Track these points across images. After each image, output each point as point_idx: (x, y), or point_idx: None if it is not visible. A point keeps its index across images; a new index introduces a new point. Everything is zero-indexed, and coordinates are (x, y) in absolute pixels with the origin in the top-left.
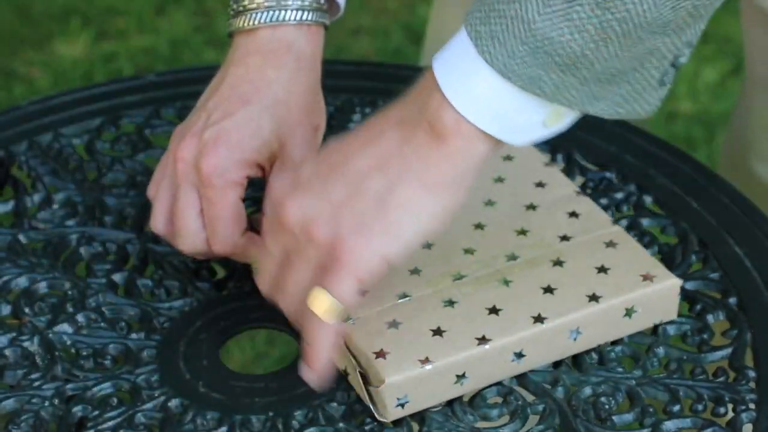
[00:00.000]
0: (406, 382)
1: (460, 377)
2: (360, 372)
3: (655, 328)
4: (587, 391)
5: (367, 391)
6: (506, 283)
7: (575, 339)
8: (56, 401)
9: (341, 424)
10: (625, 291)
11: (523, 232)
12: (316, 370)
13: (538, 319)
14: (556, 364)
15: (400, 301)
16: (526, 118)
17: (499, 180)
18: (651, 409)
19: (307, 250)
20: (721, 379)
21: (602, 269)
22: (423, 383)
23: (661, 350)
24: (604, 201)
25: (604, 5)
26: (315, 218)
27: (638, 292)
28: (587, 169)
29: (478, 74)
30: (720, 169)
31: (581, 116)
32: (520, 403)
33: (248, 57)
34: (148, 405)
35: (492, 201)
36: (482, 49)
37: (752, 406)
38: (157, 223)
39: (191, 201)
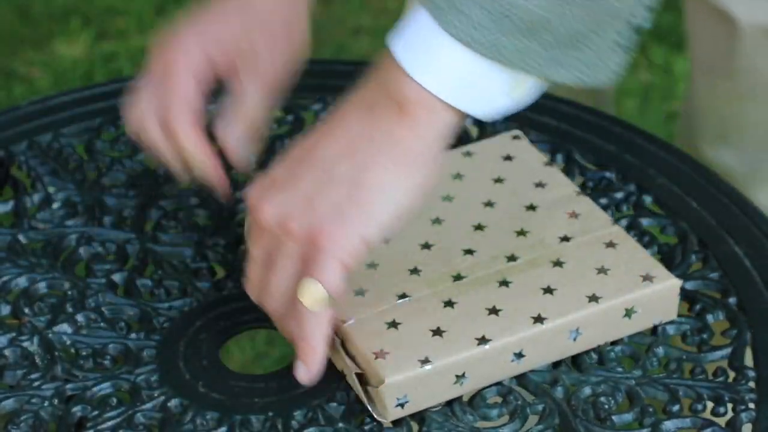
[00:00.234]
0: (405, 382)
1: (460, 377)
2: (357, 373)
3: (655, 327)
4: (587, 391)
5: (365, 391)
6: (506, 283)
7: (575, 339)
8: (56, 401)
9: (341, 424)
10: (625, 291)
11: (522, 233)
12: (311, 365)
13: (538, 319)
14: (556, 364)
15: (399, 301)
16: (489, 88)
17: (499, 180)
18: (651, 409)
19: (287, 246)
20: (721, 378)
21: (602, 269)
22: (423, 383)
23: (660, 350)
24: (603, 201)
25: None
26: (290, 213)
27: (638, 293)
28: (587, 168)
29: (439, 45)
30: None
31: (545, 87)
32: (519, 403)
33: None
34: (148, 405)
35: (492, 201)
36: (443, 20)
37: (752, 405)
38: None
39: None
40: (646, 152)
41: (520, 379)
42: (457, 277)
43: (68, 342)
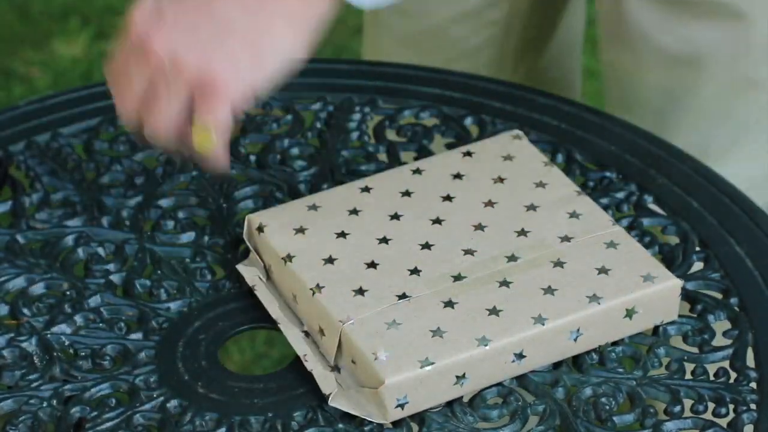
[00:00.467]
0: (405, 383)
1: (460, 378)
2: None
3: (656, 328)
4: (588, 391)
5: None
6: (506, 283)
7: (575, 340)
8: (54, 402)
9: (340, 425)
10: (626, 292)
11: (523, 233)
12: (219, 167)
13: (539, 319)
14: (557, 365)
15: (399, 301)
16: None
17: (499, 180)
18: (652, 410)
19: (177, 83)
20: (722, 379)
21: (603, 270)
22: (423, 384)
23: (661, 350)
24: (604, 201)
25: None
26: (185, 53)
27: (639, 293)
28: (587, 168)
29: None
30: None
31: None
32: (520, 403)
33: None
34: (147, 406)
35: (492, 201)
36: None
37: (753, 406)
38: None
39: None
40: (647, 152)
41: (521, 379)
42: (457, 277)
43: (67, 342)
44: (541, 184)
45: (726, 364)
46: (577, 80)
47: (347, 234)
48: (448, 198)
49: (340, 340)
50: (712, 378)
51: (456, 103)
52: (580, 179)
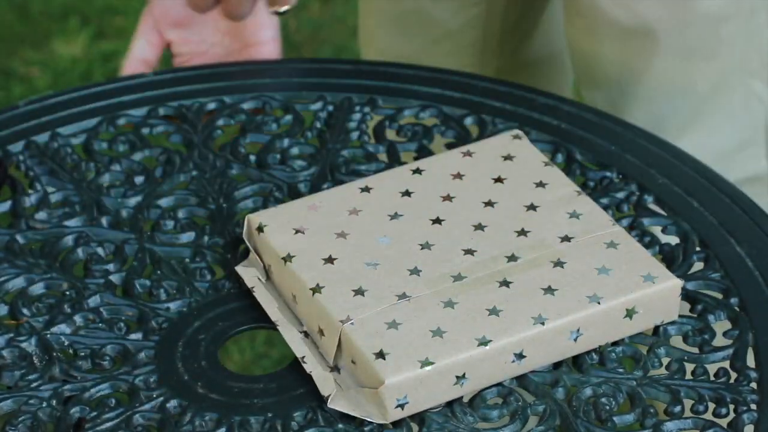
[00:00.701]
0: (405, 383)
1: (460, 378)
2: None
3: (656, 328)
4: (588, 391)
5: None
6: (506, 283)
7: (576, 340)
8: (54, 402)
9: (340, 425)
10: (626, 292)
11: (523, 233)
12: None
13: (539, 319)
14: (557, 365)
15: (399, 301)
16: None
17: (499, 180)
18: (652, 410)
19: None
20: (723, 379)
21: (603, 270)
22: (423, 384)
23: (662, 351)
24: (604, 201)
25: None
26: None
27: (639, 293)
28: (588, 168)
29: None
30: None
31: None
32: (520, 403)
33: None
34: (147, 406)
35: (492, 201)
36: None
37: (753, 406)
38: None
39: None
40: (648, 152)
41: (521, 379)
42: (457, 277)
43: (66, 342)
44: (541, 184)
45: (726, 364)
46: (566, 60)
47: (347, 234)
48: (448, 198)
49: (339, 340)
50: (712, 378)
51: (456, 103)
52: (580, 179)
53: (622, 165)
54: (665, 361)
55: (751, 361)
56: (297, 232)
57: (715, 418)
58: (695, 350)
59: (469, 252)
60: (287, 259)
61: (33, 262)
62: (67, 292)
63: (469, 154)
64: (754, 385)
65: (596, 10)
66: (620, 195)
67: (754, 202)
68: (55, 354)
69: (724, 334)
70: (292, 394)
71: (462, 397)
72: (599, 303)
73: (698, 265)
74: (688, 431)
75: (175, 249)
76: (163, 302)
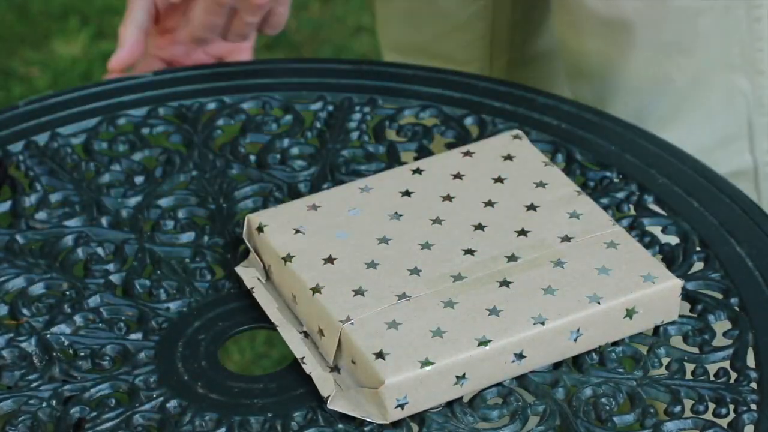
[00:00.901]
0: (405, 383)
1: (460, 378)
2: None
3: (656, 328)
4: (588, 391)
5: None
6: (506, 283)
7: (576, 340)
8: (54, 402)
9: (340, 425)
10: (626, 292)
11: (523, 233)
12: None
13: (539, 319)
14: (557, 365)
15: (399, 301)
16: None
17: (499, 180)
18: (652, 410)
19: None
20: (723, 379)
21: (603, 270)
22: (423, 384)
23: (662, 351)
24: (604, 201)
25: None
26: None
27: (639, 293)
28: (588, 168)
29: None
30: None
31: None
32: (520, 404)
33: None
34: (147, 406)
35: (492, 201)
36: None
37: (753, 407)
38: None
39: None
40: (648, 152)
41: (521, 379)
42: (457, 277)
43: (66, 343)
44: (541, 184)
45: (726, 364)
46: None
47: (347, 234)
48: (448, 198)
49: (339, 340)
50: (712, 378)
51: (456, 103)
52: (580, 179)
53: (622, 165)
54: (665, 361)
55: (751, 361)
56: (297, 232)
57: (715, 418)
58: (695, 350)
59: (469, 252)
60: (287, 259)
61: (33, 262)
62: (67, 292)
63: (469, 154)
64: (754, 385)
65: (579, 3)
66: (620, 195)
67: (754, 202)
68: (55, 354)
69: (724, 334)
70: (292, 394)
71: (462, 397)
72: (599, 303)
73: (698, 265)
74: (688, 431)
75: (175, 249)
76: (163, 302)
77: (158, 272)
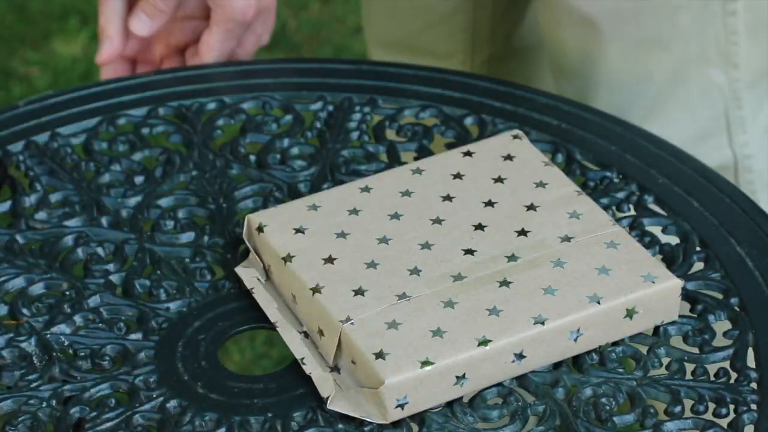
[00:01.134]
0: (405, 383)
1: (460, 378)
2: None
3: (656, 328)
4: (588, 392)
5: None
6: (506, 283)
7: (576, 340)
8: (54, 402)
9: (340, 425)
10: (626, 292)
11: (523, 233)
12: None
13: (539, 320)
14: (557, 365)
15: (399, 301)
16: None
17: (499, 180)
18: (652, 410)
19: None
20: (723, 379)
21: (603, 270)
22: (423, 384)
23: (662, 351)
24: (604, 201)
25: None
26: None
27: (639, 293)
28: (588, 168)
29: None
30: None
31: None
32: (520, 404)
33: None
34: (146, 406)
35: (492, 201)
36: None
37: (754, 407)
38: None
39: None
40: (648, 152)
41: (521, 380)
42: (457, 277)
43: (66, 343)
44: (541, 184)
45: (726, 364)
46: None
47: (347, 234)
48: (448, 198)
49: (339, 340)
50: (712, 378)
51: (456, 103)
52: (580, 179)
53: (622, 165)
54: (665, 361)
55: (751, 361)
56: (297, 232)
57: (715, 418)
58: (695, 350)
59: (469, 252)
60: (287, 259)
61: (33, 262)
62: (67, 292)
63: (469, 154)
64: (754, 385)
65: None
66: (620, 195)
67: (754, 201)
68: (55, 354)
69: (724, 334)
70: (292, 394)
71: (462, 397)
72: (599, 303)
73: (698, 265)
74: (688, 431)
75: (175, 249)
76: (163, 302)
77: (158, 272)
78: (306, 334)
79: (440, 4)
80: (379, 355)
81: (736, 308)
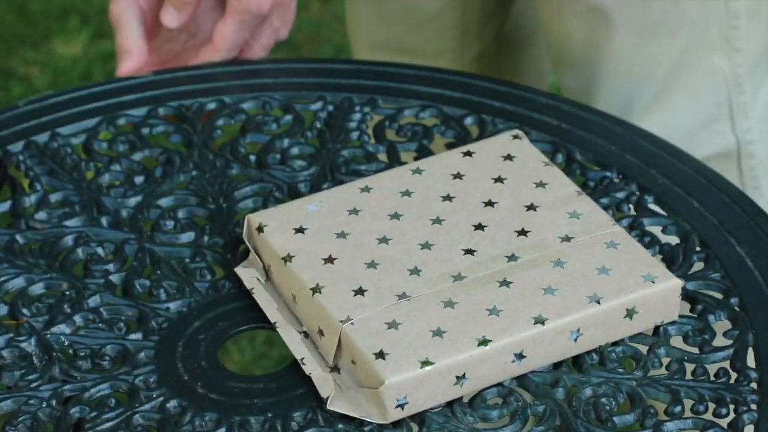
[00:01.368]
0: (405, 383)
1: (460, 378)
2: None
3: (656, 328)
4: (588, 392)
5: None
6: (506, 283)
7: (576, 340)
8: (54, 402)
9: (340, 425)
10: (626, 292)
11: (523, 233)
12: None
13: (539, 320)
14: (557, 365)
15: (399, 301)
16: None
17: (499, 180)
18: (652, 410)
19: None
20: (723, 379)
21: (603, 270)
22: (423, 384)
23: (662, 351)
24: (604, 201)
25: None
26: None
27: (639, 293)
28: (588, 168)
29: None
30: None
31: None
32: (520, 404)
33: None
34: (146, 406)
35: (492, 201)
36: None
37: (754, 406)
38: None
39: None
40: (648, 152)
41: (521, 380)
42: (457, 277)
43: (66, 343)
44: (541, 184)
45: (726, 364)
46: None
47: (347, 234)
48: (448, 198)
49: (339, 340)
50: (712, 378)
51: (456, 103)
52: (580, 179)
53: (622, 165)
54: (665, 361)
55: (751, 361)
56: (297, 232)
57: (715, 418)
58: (695, 350)
59: (469, 252)
60: (287, 259)
61: (33, 262)
62: (67, 292)
63: (469, 154)
64: (754, 385)
65: None
66: (620, 195)
67: (754, 201)
68: (55, 354)
69: (724, 334)
70: (292, 394)
71: (462, 397)
72: (599, 303)
73: (698, 265)
74: (688, 431)
75: (175, 249)
76: (163, 302)
77: (158, 272)
78: (306, 334)
79: (429, 2)
80: (379, 355)
81: (736, 308)
